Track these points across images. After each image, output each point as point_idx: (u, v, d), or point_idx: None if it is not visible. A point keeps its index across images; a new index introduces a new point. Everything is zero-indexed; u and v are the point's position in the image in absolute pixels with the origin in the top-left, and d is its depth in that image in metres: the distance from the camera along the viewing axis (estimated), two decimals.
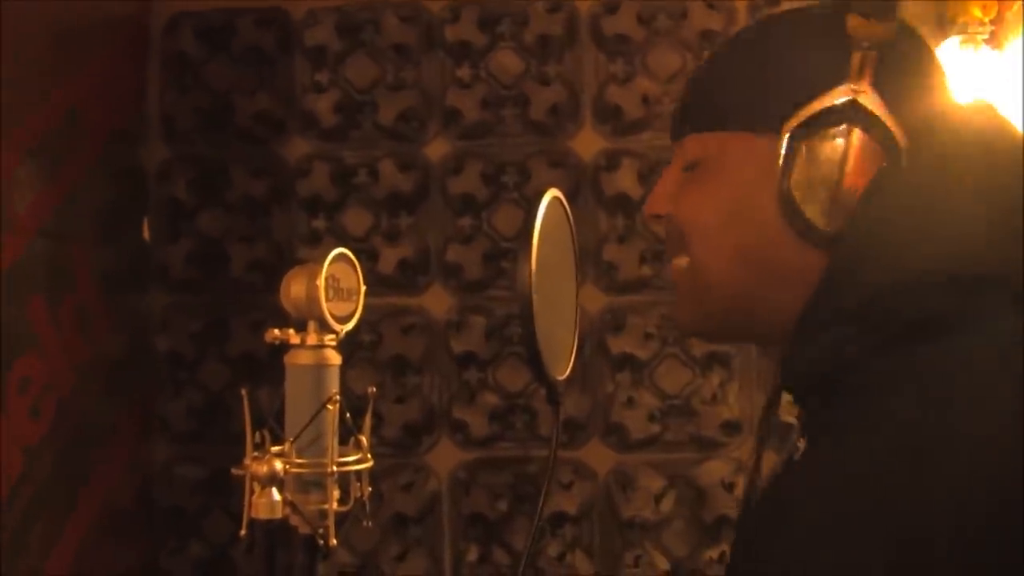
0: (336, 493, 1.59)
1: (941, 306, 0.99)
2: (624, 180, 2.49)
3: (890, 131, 1.05)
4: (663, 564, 2.50)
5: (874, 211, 1.04)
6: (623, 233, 2.51)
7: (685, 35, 2.50)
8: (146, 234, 2.65)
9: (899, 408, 0.96)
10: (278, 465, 1.50)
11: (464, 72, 2.58)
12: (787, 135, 1.08)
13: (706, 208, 1.16)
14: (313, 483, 1.56)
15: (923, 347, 0.98)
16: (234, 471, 1.54)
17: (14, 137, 2.16)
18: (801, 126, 1.08)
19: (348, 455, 1.60)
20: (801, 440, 1.10)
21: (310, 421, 1.55)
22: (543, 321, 1.40)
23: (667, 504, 2.50)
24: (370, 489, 1.62)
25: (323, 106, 2.58)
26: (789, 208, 1.08)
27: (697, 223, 1.17)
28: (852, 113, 1.06)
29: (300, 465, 1.54)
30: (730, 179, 1.14)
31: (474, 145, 2.57)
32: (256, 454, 1.55)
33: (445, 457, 2.58)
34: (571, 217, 1.56)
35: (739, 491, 2.46)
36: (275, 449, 1.57)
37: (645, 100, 2.49)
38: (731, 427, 2.48)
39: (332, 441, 1.56)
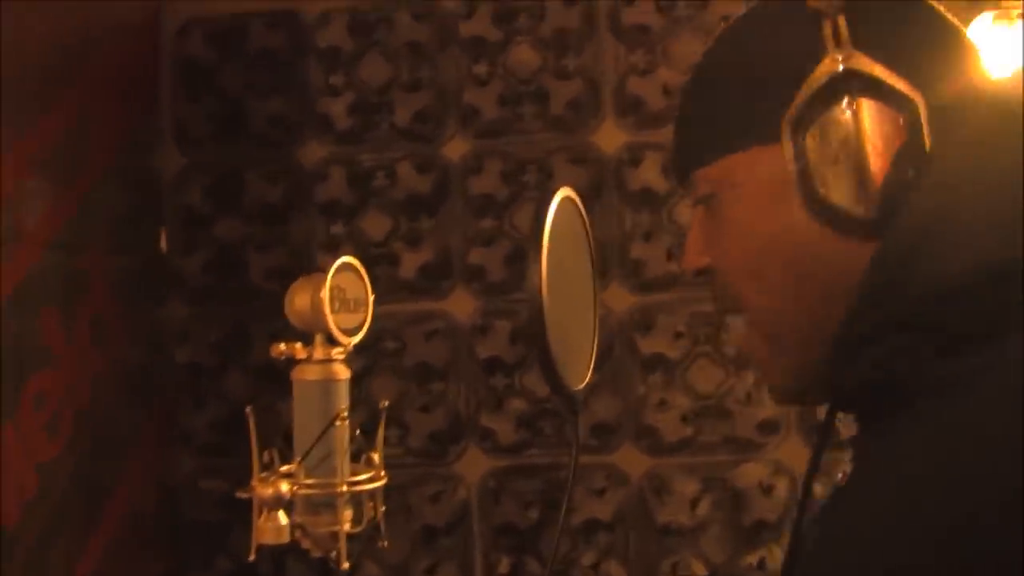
0: (349, 513, 1.52)
1: (1000, 304, 0.90)
2: (648, 174, 2.41)
3: (895, 88, 0.95)
4: (701, 571, 2.42)
5: (914, 197, 0.95)
6: (649, 229, 2.43)
7: (707, 21, 2.41)
8: (163, 244, 2.60)
9: (960, 413, 0.88)
10: (284, 487, 1.44)
11: (481, 69, 2.51)
12: (788, 130, 1.00)
13: (737, 244, 1.07)
14: (324, 504, 1.50)
15: (982, 348, 0.89)
16: (239, 494, 1.48)
17: (21, 148, 2.11)
18: (799, 116, 0.99)
19: (361, 473, 1.54)
20: (849, 462, 1.02)
21: (318, 439, 1.49)
22: (557, 329, 1.33)
23: (703, 508, 2.42)
24: (384, 508, 1.55)
25: (338, 108, 2.51)
26: (817, 205, 0.98)
27: (736, 266, 1.08)
28: (846, 82, 0.96)
29: (309, 486, 1.48)
30: (749, 203, 1.05)
31: (493, 143, 2.50)
32: (264, 475, 1.49)
33: (473, 465, 2.51)
34: (586, 217, 1.48)
35: (778, 493, 2.38)
36: (284, 469, 1.51)
37: (667, 91, 2.40)
38: (768, 427, 2.40)
39: (342, 459, 1.50)
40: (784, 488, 2.37)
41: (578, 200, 1.45)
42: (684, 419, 2.42)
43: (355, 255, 2.47)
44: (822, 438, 1.14)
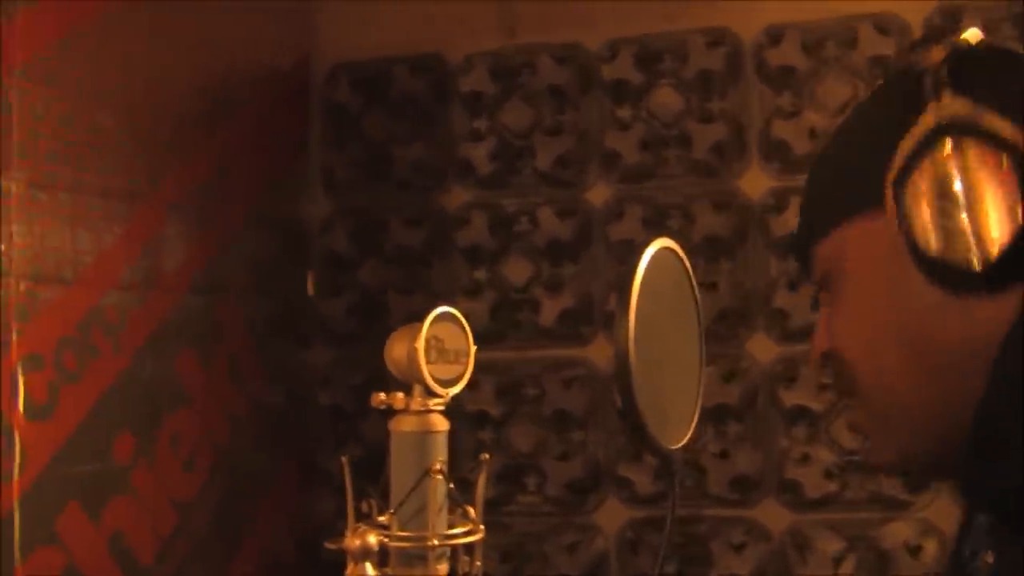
0: (444, 567, 1.50)
1: None
2: (794, 220, 2.32)
3: (999, 133, 0.88)
4: None
5: None
6: (794, 277, 2.34)
7: (854, 62, 2.33)
8: (310, 288, 2.63)
9: None
10: (372, 539, 1.42)
11: (623, 112, 2.47)
12: (891, 191, 0.93)
13: (852, 324, 1.01)
14: (418, 556, 1.48)
15: None
16: (327, 544, 1.48)
17: (159, 195, 2.16)
18: (901, 173, 0.92)
19: (458, 526, 1.52)
20: (989, 555, 0.94)
21: (411, 491, 1.47)
22: (648, 385, 1.28)
23: (847, 568, 2.31)
24: (479, 563, 1.53)
25: (480, 153, 2.51)
26: (927, 264, 0.91)
27: (852, 347, 1.02)
28: (947, 130, 0.90)
29: (399, 538, 1.46)
30: (863, 276, 0.99)
31: (635, 188, 2.45)
32: (359, 525, 1.48)
33: (611, 516, 2.45)
34: (690, 269, 1.43)
35: (925, 554, 2.26)
36: (382, 520, 1.50)
37: (813, 134, 2.32)
38: (916, 485, 2.28)
39: (435, 512, 1.47)
40: (932, 549, 2.25)
41: (679, 251, 1.40)
42: (828, 474, 2.32)
43: (497, 301, 2.48)
44: (960, 541, 1.06)
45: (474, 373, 2.47)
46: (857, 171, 0.99)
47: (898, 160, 0.92)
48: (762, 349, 2.37)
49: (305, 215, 2.64)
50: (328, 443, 2.59)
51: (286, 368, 2.56)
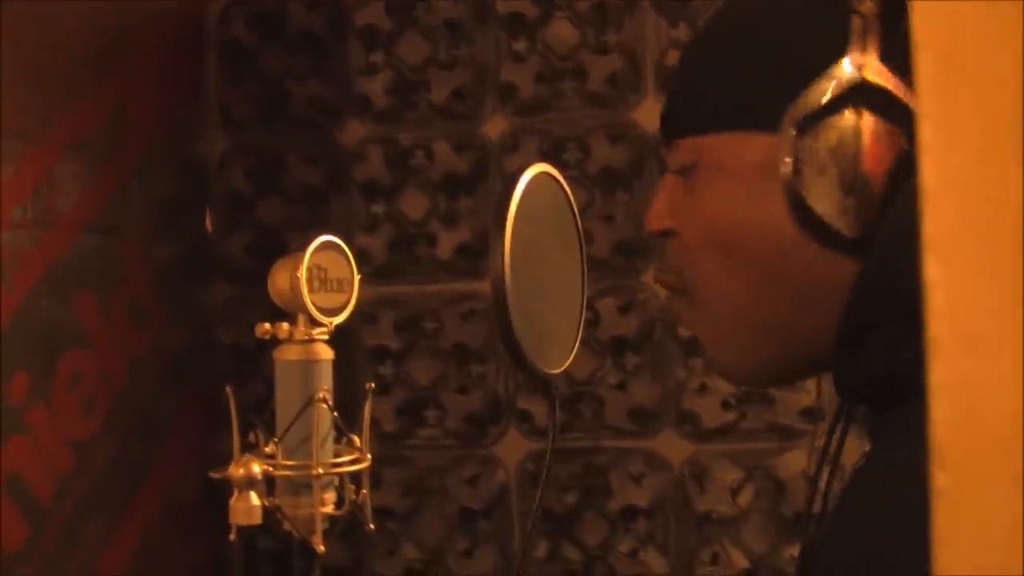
0: (331, 496, 1.51)
1: None
2: None
3: (908, 109, 0.90)
4: (742, 562, 2.36)
5: (907, 212, 0.90)
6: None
7: None
8: (208, 226, 2.61)
9: None
10: (256, 468, 1.43)
11: (519, 45, 2.46)
12: (789, 123, 0.93)
13: (709, 219, 1.02)
14: (304, 486, 1.48)
15: None
16: (213, 474, 1.48)
17: (53, 135, 2.13)
18: (804, 112, 0.93)
19: (344, 455, 1.52)
20: (866, 444, 0.98)
21: (294, 420, 1.47)
22: (527, 309, 1.29)
23: (745, 497, 2.35)
24: (365, 491, 1.53)
25: (376, 87, 2.49)
26: (802, 214, 0.93)
27: (702, 239, 1.03)
28: (859, 93, 0.91)
29: (284, 467, 1.47)
30: (731, 185, 0.99)
31: (531, 121, 2.45)
32: (246, 456, 1.49)
33: (512, 448, 2.47)
34: (570, 195, 1.44)
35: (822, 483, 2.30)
36: (268, 450, 1.51)
37: None
38: (811, 414, 2.32)
39: (319, 442, 1.48)
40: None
41: (559, 176, 1.41)
42: (726, 405, 2.36)
43: (395, 235, 2.47)
44: (832, 433, 1.09)
45: (373, 307, 2.48)
46: (755, 85, 0.98)
47: (806, 99, 0.93)
48: None
49: (203, 154, 2.61)
50: (231, 381, 2.57)
51: (186, 307, 2.54)
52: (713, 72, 1.04)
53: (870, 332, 0.92)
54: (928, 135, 0.40)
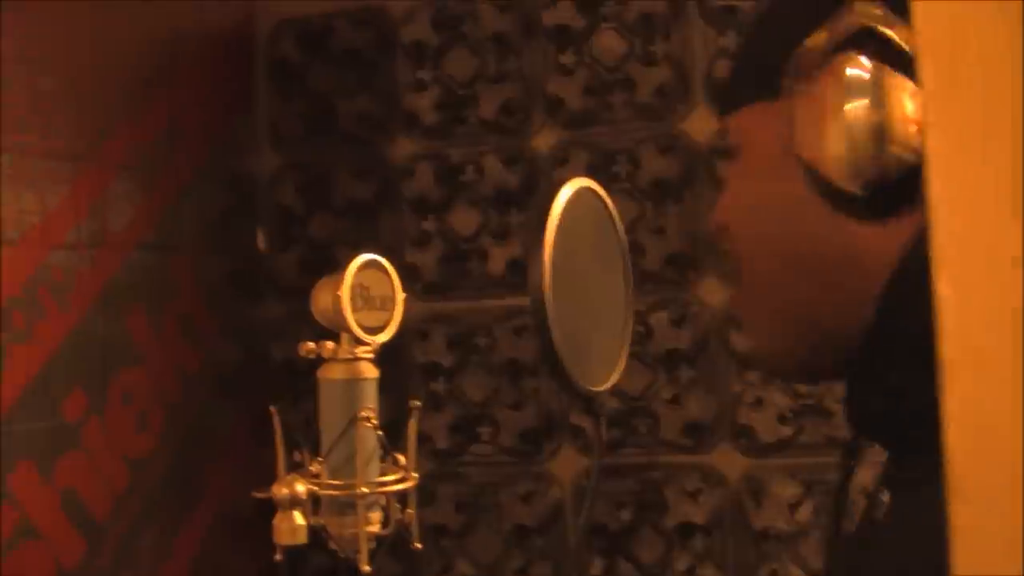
0: (376, 515, 1.49)
1: None
2: None
3: (905, 45, 0.84)
4: None
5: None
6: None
7: None
8: (260, 243, 2.62)
9: None
10: (299, 487, 1.41)
11: (567, 58, 2.44)
12: (787, 85, 0.90)
13: (741, 204, 0.99)
14: (349, 505, 1.47)
15: None
16: (256, 494, 1.47)
17: (107, 153, 2.15)
18: (801, 69, 0.89)
19: (390, 474, 1.51)
20: (884, 493, 0.91)
21: (338, 439, 1.46)
22: (569, 326, 1.27)
23: (804, 513, 2.31)
24: (412, 510, 1.51)
25: (424, 104, 2.49)
26: (808, 173, 0.89)
27: (738, 225, 1.00)
28: (861, 39, 0.86)
29: (329, 486, 1.46)
30: (757, 163, 0.97)
31: (580, 134, 2.43)
32: (290, 475, 1.48)
33: (566, 464, 2.45)
34: (613, 209, 1.41)
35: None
36: (314, 469, 1.49)
37: None
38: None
39: (363, 460, 1.46)
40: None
41: (601, 191, 1.39)
42: (782, 419, 2.32)
43: (445, 251, 2.46)
44: (846, 463, 1.04)
45: (424, 324, 2.47)
46: (769, 54, 0.95)
47: (802, 55, 0.89)
48: (712, 292, 2.36)
49: (253, 171, 2.62)
50: (283, 398, 2.57)
51: (239, 324, 2.55)
52: (744, 54, 1.04)
53: (897, 353, 0.86)
54: (934, 144, 0.38)
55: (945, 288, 0.37)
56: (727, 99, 1.04)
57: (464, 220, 2.48)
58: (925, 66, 0.38)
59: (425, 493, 2.43)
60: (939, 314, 0.37)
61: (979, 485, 0.37)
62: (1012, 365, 0.36)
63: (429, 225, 2.51)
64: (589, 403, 1.33)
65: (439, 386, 2.49)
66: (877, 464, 0.93)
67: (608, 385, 1.36)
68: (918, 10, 0.39)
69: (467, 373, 2.47)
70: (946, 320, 0.37)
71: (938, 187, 0.38)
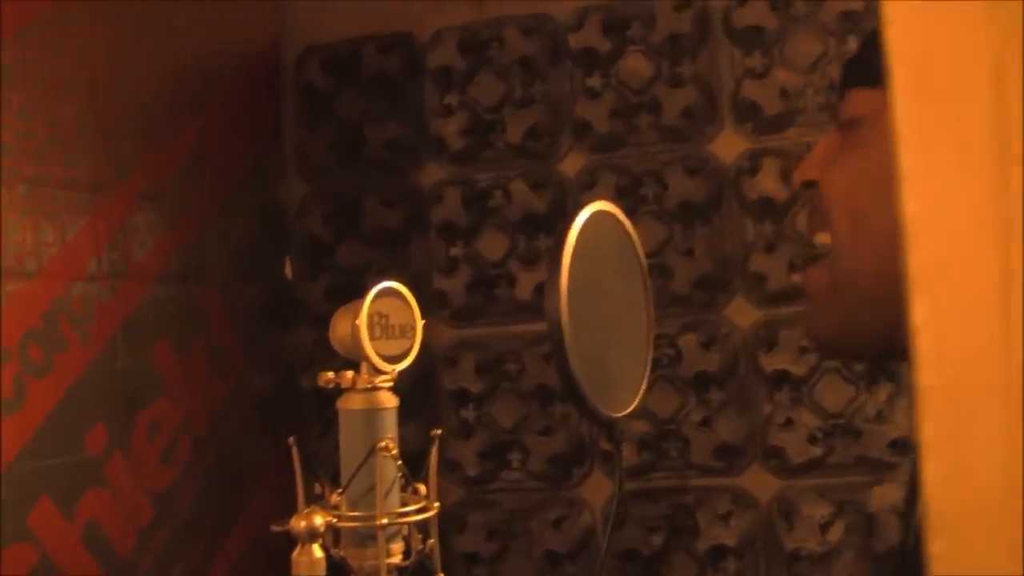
0: (398, 546, 1.48)
1: None
2: (766, 182, 2.29)
3: None
4: None
5: None
6: (771, 240, 2.31)
7: (823, 19, 2.29)
8: (288, 272, 2.61)
9: None
10: (318, 520, 1.41)
11: (593, 81, 2.43)
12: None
13: (854, 180, 1.00)
14: (369, 536, 1.46)
15: None
16: (275, 527, 1.46)
17: (130, 183, 2.14)
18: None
19: (411, 503, 1.49)
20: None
21: (357, 470, 1.45)
22: (588, 351, 1.26)
23: (835, 534, 2.28)
24: (433, 540, 1.50)
25: (451, 129, 2.48)
26: None
27: (842, 198, 1.01)
28: None
29: (349, 518, 1.45)
30: (871, 138, 0.98)
31: (608, 157, 2.42)
32: (310, 508, 1.47)
33: (597, 490, 2.43)
34: (632, 233, 1.40)
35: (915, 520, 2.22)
36: (333, 500, 1.49)
37: (784, 93, 2.28)
38: (901, 446, 2.24)
39: (383, 490, 1.45)
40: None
41: (619, 214, 1.37)
42: (812, 439, 2.29)
43: (474, 277, 2.45)
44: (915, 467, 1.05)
45: (453, 350, 2.46)
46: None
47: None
48: (741, 314, 2.34)
49: (280, 199, 2.62)
50: (314, 427, 2.57)
51: (267, 354, 2.54)
52: (869, 39, 1.06)
53: None
54: (908, 162, 0.36)
55: (921, 314, 0.36)
56: (854, 74, 1.06)
57: (492, 245, 2.47)
58: (898, 78, 0.36)
59: (456, 520, 2.42)
60: (914, 340, 0.36)
61: (955, 514, 0.35)
62: (989, 393, 0.34)
63: (457, 251, 2.50)
64: (610, 429, 1.31)
65: (469, 413, 2.47)
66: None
67: (629, 410, 1.34)
68: (890, 32, 0.37)
69: (496, 399, 2.45)
70: (922, 347, 0.36)
71: (914, 207, 0.36)
